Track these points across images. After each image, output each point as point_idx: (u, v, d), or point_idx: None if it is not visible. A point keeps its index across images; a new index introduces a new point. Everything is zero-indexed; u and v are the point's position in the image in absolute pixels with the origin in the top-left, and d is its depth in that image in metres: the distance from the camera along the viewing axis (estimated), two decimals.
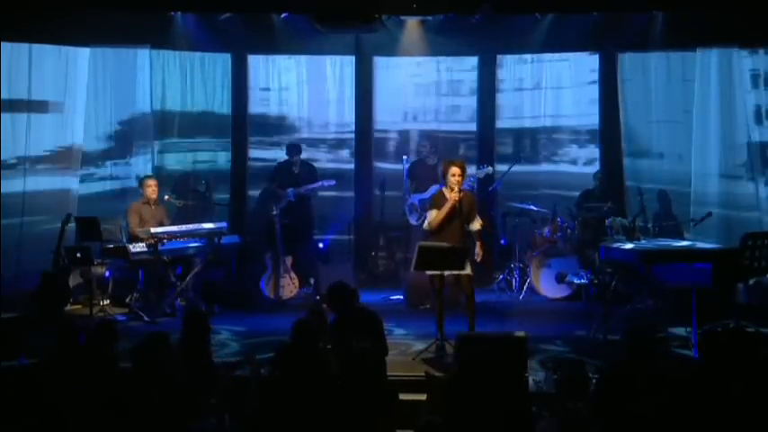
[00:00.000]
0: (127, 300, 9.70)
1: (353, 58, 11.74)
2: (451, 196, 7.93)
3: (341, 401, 5.24)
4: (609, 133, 11.48)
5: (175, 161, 11.54)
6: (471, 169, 9.97)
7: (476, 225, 8.17)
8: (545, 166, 11.70)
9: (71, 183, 10.86)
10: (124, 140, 11.21)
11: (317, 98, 11.86)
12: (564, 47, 11.41)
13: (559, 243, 10.51)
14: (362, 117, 11.84)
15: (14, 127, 10.47)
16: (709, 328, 7.46)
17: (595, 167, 11.37)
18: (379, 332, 6.88)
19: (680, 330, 8.27)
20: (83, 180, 10.92)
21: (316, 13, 10.39)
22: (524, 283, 10.55)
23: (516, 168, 11.16)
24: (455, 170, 7.98)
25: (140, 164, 11.18)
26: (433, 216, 7.96)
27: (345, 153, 11.85)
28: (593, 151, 11.59)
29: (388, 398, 5.51)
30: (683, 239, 9.67)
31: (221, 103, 11.76)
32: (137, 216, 9.78)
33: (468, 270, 7.89)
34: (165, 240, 9.40)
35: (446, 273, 7.86)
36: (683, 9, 10.44)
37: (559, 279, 10.22)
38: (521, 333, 6.86)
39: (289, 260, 10.18)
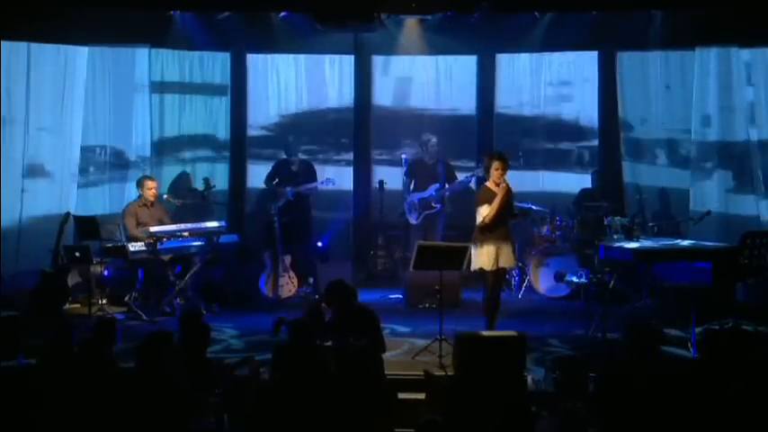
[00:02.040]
0: (126, 299, 9.70)
1: (352, 57, 11.73)
2: (502, 188, 7.99)
3: (340, 400, 5.24)
4: (608, 132, 11.48)
5: (174, 160, 11.52)
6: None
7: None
8: (543, 175, 11.66)
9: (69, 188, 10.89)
10: (122, 140, 11.19)
11: (316, 96, 11.86)
12: (563, 46, 11.40)
13: (558, 242, 10.51)
14: (362, 116, 11.84)
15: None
16: (708, 327, 7.47)
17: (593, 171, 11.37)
18: (376, 329, 6.90)
19: (679, 329, 8.27)
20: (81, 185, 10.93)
21: (315, 12, 10.39)
22: (523, 282, 10.55)
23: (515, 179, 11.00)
24: (497, 164, 8.08)
25: (139, 163, 11.15)
26: (487, 211, 7.98)
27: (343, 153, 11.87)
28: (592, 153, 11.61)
29: (386, 397, 5.51)
30: (682, 238, 9.66)
31: (219, 102, 11.74)
32: (133, 218, 9.76)
33: (513, 263, 8.39)
34: (164, 239, 9.41)
35: (501, 266, 8.01)
36: (682, 8, 10.45)
37: (558, 278, 10.19)
38: (520, 332, 6.87)
39: (288, 259, 10.18)
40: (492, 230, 7.97)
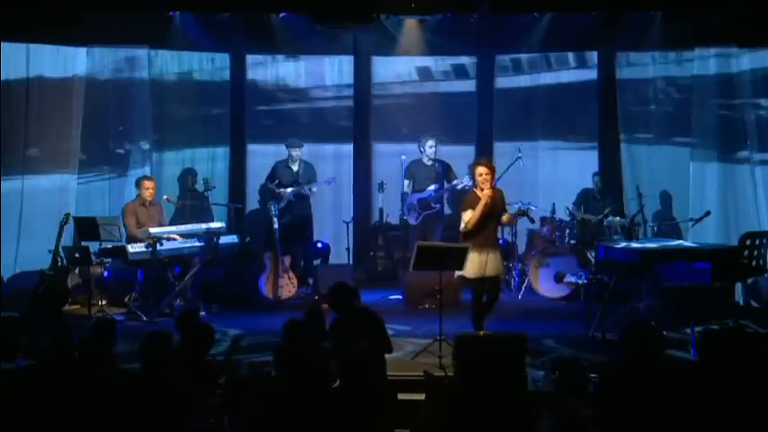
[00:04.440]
0: (125, 300, 9.71)
1: (352, 57, 11.74)
2: (484, 195, 7.93)
3: (339, 401, 5.24)
4: (607, 133, 11.48)
5: (173, 160, 11.52)
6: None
7: (504, 218, 8.30)
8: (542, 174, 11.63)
9: (69, 181, 10.87)
10: (122, 140, 11.18)
11: (315, 96, 11.86)
12: (562, 46, 11.41)
13: (558, 242, 10.51)
14: (362, 117, 11.84)
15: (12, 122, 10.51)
16: (708, 327, 7.46)
17: (593, 170, 11.34)
18: (381, 331, 6.90)
19: (679, 330, 8.26)
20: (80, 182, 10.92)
21: (314, 12, 10.39)
22: (523, 283, 10.56)
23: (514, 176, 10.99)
24: (481, 170, 8.01)
25: (138, 164, 11.15)
26: (469, 216, 7.95)
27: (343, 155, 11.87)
28: (593, 154, 11.59)
29: (386, 397, 5.50)
30: (682, 239, 9.67)
31: (220, 102, 11.74)
32: (133, 218, 9.79)
33: (500, 271, 8.22)
34: (163, 240, 9.41)
35: (488, 275, 7.93)
36: (682, 9, 10.45)
37: (558, 279, 10.22)
38: (520, 332, 6.86)
39: (287, 260, 10.18)
40: (474, 236, 7.91)
